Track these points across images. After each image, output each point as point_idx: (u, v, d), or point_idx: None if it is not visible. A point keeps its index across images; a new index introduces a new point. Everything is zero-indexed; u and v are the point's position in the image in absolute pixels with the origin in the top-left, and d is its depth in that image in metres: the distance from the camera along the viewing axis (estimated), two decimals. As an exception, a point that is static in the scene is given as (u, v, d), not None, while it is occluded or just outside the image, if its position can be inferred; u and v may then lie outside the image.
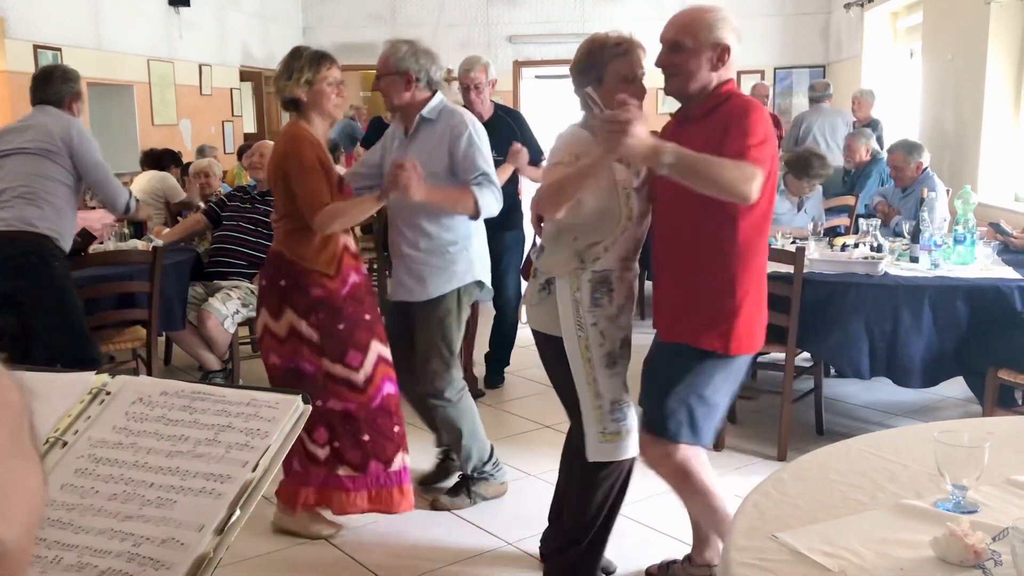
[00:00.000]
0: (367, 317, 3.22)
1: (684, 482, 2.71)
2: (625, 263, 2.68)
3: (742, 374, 2.72)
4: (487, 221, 3.79)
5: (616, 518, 2.87)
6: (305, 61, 3.12)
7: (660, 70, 2.59)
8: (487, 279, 3.56)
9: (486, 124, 4.25)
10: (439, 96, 3.39)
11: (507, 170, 4.50)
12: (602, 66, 2.60)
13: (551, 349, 2.72)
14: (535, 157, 4.81)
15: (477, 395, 4.44)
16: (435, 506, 3.55)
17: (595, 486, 2.76)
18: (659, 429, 2.64)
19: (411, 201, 3.12)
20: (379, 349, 3.23)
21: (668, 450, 2.64)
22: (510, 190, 4.57)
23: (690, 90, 2.54)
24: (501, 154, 4.50)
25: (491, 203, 3.30)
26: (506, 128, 4.80)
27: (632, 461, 2.79)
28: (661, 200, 2.63)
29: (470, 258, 3.44)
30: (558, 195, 2.48)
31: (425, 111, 3.34)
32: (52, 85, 4.02)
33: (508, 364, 5.32)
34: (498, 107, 4.98)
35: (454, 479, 3.71)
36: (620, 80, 2.59)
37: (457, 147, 3.29)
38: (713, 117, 2.49)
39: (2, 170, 3.86)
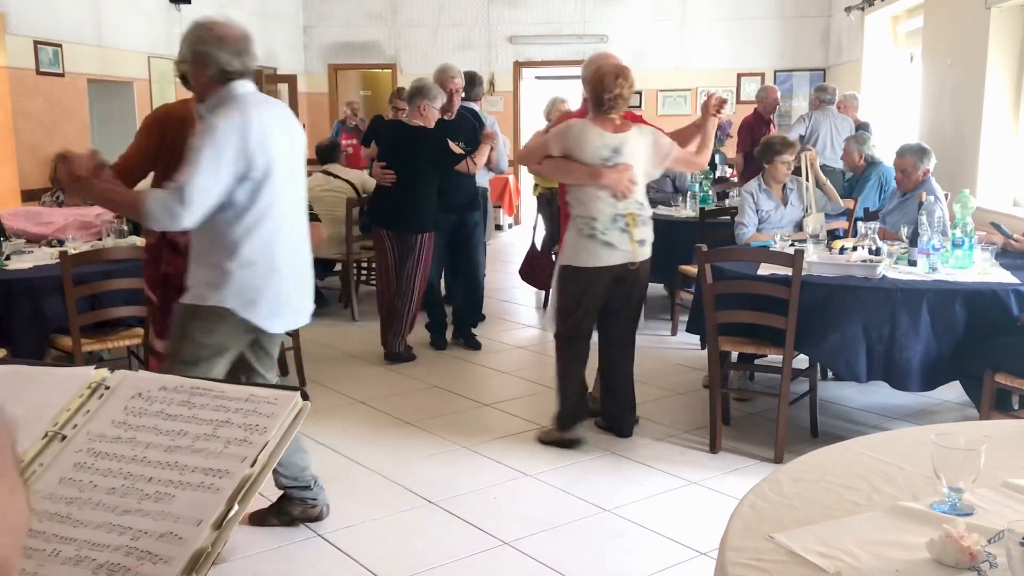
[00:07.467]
0: None
1: None
2: None
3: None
4: (454, 202, 5.65)
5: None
6: None
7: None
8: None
9: (453, 122, 5.73)
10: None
11: (484, 151, 5.56)
12: None
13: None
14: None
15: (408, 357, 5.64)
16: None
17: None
18: None
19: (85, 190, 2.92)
20: None
21: None
22: (470, 179, 5.69)
23: None
24: (471, 144, 5.61)
25: (159, 213, 2.73)
26: (469, 121, 5.90)
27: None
28: None
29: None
30: (532, 157, 4.19)
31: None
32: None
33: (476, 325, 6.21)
34: (462, 107, 5.95)
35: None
36: None
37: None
38: None
39: None
